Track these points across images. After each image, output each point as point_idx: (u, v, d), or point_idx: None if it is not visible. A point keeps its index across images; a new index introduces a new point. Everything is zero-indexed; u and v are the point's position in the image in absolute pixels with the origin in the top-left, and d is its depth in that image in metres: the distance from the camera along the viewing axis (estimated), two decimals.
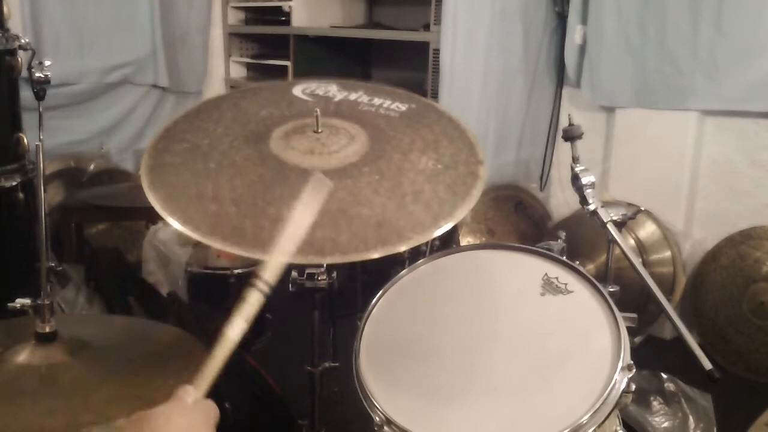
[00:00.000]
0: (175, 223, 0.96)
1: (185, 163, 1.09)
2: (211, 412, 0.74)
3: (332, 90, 1.29)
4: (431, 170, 1.06)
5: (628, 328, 1.07)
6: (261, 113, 1.20)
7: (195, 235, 0.94)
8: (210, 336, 0.80)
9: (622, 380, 0.99)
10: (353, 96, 1.27)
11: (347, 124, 1.16)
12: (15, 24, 2.01)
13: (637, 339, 2.43)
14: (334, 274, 1.31)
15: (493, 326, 1.13)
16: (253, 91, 1.32)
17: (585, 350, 1.06)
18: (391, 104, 1.24)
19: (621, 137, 2.78)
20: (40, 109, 1.48)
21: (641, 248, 2.58)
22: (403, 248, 0.93)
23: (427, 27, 2.86)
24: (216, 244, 0.93)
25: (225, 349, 0.77)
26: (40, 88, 1.47)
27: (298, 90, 1.29)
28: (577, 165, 1.36)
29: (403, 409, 0.99)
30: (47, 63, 1.49)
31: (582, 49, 2.81)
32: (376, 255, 0.91)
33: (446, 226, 0.96)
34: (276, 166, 1.05)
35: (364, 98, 1.26)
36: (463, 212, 0.99)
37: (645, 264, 2.53)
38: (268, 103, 1.25)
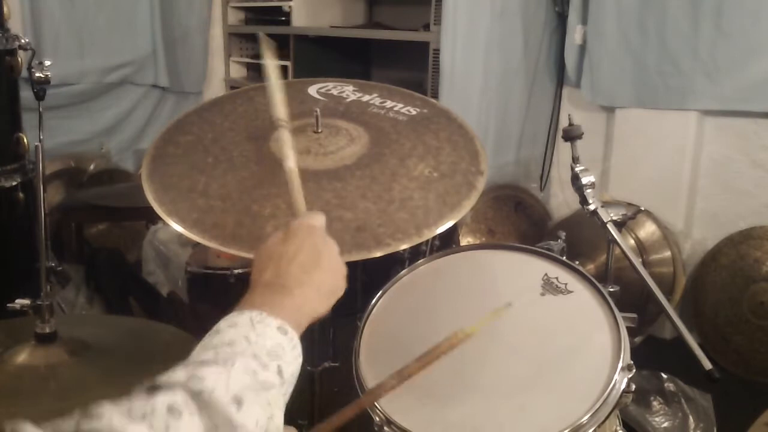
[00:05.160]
0: (162, 214, 0.97)
1: (185, 155, 1.10)
2: (320, 224, 0.83)
3: (347, 91, 1.29)
4: (425, 178, 1.06)
5: (628, 328, 1.07)
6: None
7: (178, 227, 0.96)
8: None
9: (622, 380, 0.99)
10: (366, 98, 1.27)
11: (351, 126, 1.16)
12: (15, 24, 2.01)
13: (637, 339, 2.43)
14: None
15: (493, 326, 1.13)
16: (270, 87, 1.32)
17: (585, 350, 1.06)
18: (402, 108, 1.24)
19: (621, 137, 2.77)
20: (40, 109, 1.48)
21: (641, 248, 2.58)
22: (378, 254, 0.94)
23: (427, 27, 2.86)
24: (196, 237, 0.95)
25: (295, 179, 0.88)
26: (40, 88, 1.47)
27: (313, 89, 1.29)
28: (577, 165, 1.36)
29: (403, 409, 0.99)
30: (47, 63, 1.49)
31: (582, 49, 2.81)
32: (350, 258, 0.92)
33: (428, 235, 0.97)
34: (270, 164, 1.05)
35: (377, 100, 1.26)
36: (449, 222, 0.99)
37: (645, 264, 2.52)
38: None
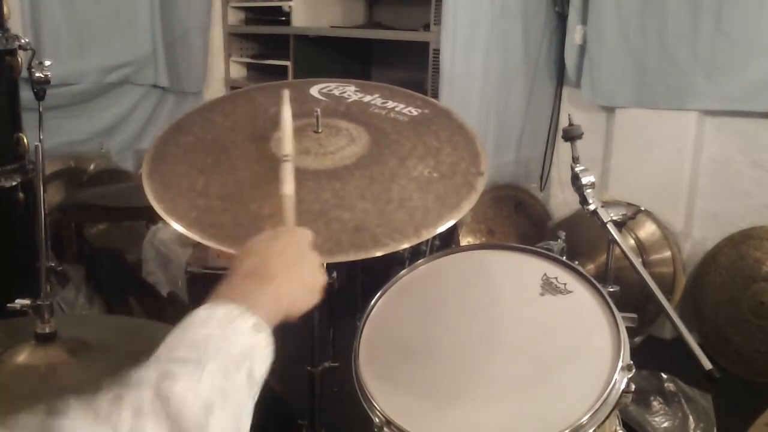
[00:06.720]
0: (161, 212, 0.98)
1: (185, 155, 1.10)
2: (306, 235, 0.82)
3: (349, 91, 1.29)
4: (425, 178, 1.06)
5: (628, 328, 1.07)
6: (271, 110, 1.20)
7: (177, 226, 0.97)
8: None
9: (622, 380, 0.99)
10: (368, 98, 1.27)
11: (352, 126, 1.16)
12: (15, 24, 2.01)
13: (637, 339, 2.43)
14: (334, 274, 1.31)
15: (492, 326, 1.13)
16: (272, 87, 1.32)
17: (585, 350, 1.06)
18: (403, 108, 1.24)
19: (621, 137, 2.78)
20: (40, 109, 1.47)
21: (641, 248, 2.58)
22: (377, 254, 0.94)
23: (427, 27, 2.86)
24: (195, 236, 0.95)
25: (290, 204, 0.88)
26: (40, 88, 1.47)
27: (315, 89, 1.29)
28: (577, 165, 1.36)
29: (403, 410, 0.99)
30: (47, 63, 1.48)
31: (582, 49, 2.81)
32: (347, 258, 0.92)
33: (426, 236, 0.97)
34: (270, 164, 1.05)
35: (378, 101, 1.26)
36: (448, 223, 0.99)
37: (645, 264, 2.53)
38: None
